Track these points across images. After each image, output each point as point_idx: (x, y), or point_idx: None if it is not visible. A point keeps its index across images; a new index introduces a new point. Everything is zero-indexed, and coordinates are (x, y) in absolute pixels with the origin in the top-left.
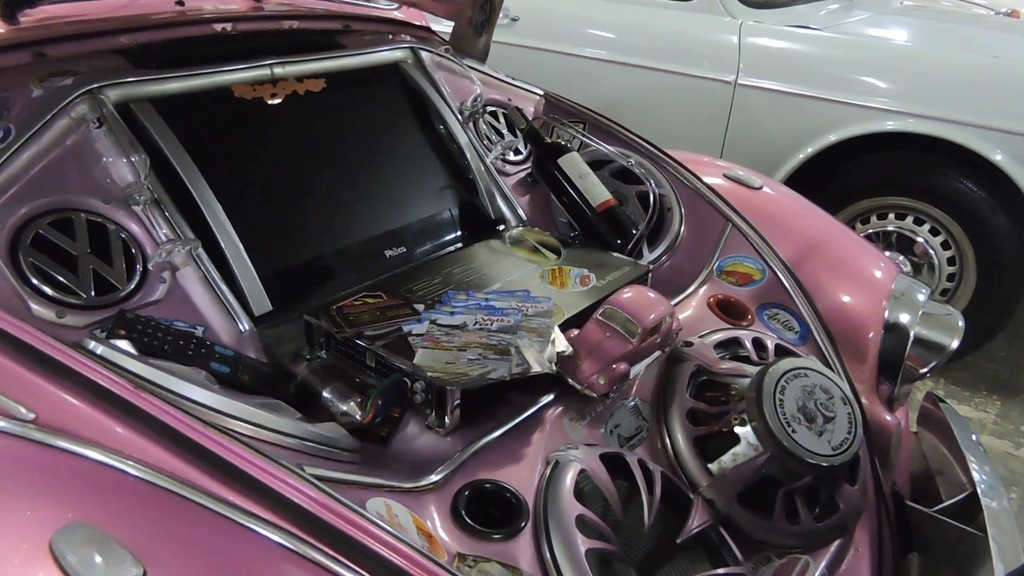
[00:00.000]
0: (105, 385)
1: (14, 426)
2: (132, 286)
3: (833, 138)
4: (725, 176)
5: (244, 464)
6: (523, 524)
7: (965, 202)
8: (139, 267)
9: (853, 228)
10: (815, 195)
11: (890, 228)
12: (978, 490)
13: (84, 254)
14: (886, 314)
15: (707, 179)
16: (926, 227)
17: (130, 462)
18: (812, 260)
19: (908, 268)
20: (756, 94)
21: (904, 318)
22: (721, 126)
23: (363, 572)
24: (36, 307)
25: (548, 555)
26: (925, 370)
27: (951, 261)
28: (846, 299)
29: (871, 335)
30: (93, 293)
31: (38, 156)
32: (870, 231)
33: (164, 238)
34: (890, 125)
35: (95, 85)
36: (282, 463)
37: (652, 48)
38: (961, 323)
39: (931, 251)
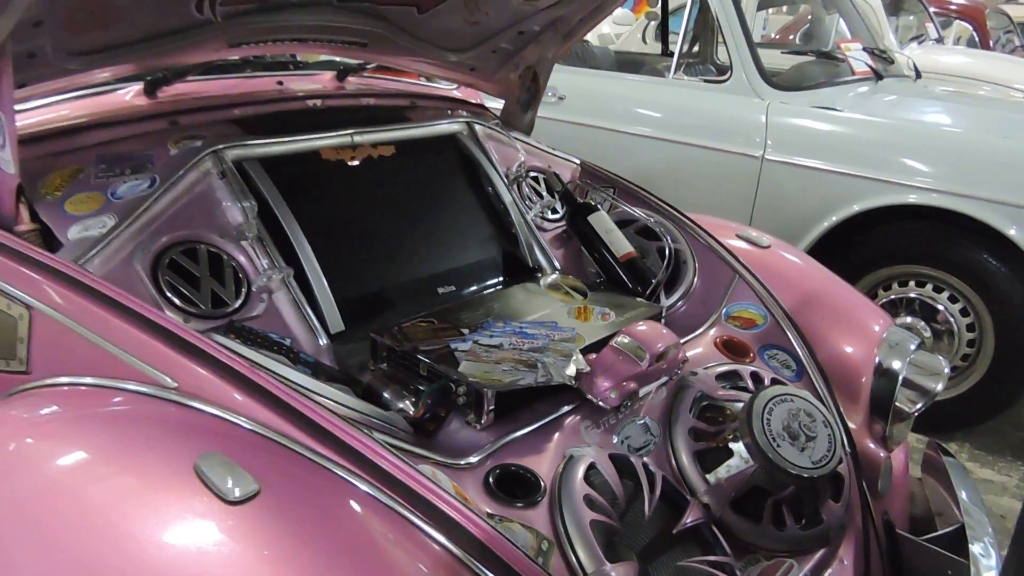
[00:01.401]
0: (228, 363)
1: (162, 392)
2: (239, 303)
3: (856, 208)
4: (737, 236)
5: (329, 425)
6: (540, 498)
7: (982, 272)
8: (244, 289)
9: (875, 295)
10: (840, 262)
11: (912, 295)
12: (966, 523)
13: (205, 276)
14: (877, 359)
15: (721, 238)
16: (945, 294)
17: (244, 419)
18: (811, 309)
19: (928, 334)
20: (782, 168)
21: (894, 364)
22: (750, 197)
23: (416, 511)
24: (168, 313)
25: (560, 523)
26: (914, 410)
27: (970, 327)
28: (841, 345)
29: (864, 379)
30: (210, 306)
31: (175, 200)
32: (892, 297)
33: (264, 267)
34: (911, 199)
35: (218, 147)
36: (357, 425)
37: (687, 125)
38: (946, 369)
39: (951, 318)
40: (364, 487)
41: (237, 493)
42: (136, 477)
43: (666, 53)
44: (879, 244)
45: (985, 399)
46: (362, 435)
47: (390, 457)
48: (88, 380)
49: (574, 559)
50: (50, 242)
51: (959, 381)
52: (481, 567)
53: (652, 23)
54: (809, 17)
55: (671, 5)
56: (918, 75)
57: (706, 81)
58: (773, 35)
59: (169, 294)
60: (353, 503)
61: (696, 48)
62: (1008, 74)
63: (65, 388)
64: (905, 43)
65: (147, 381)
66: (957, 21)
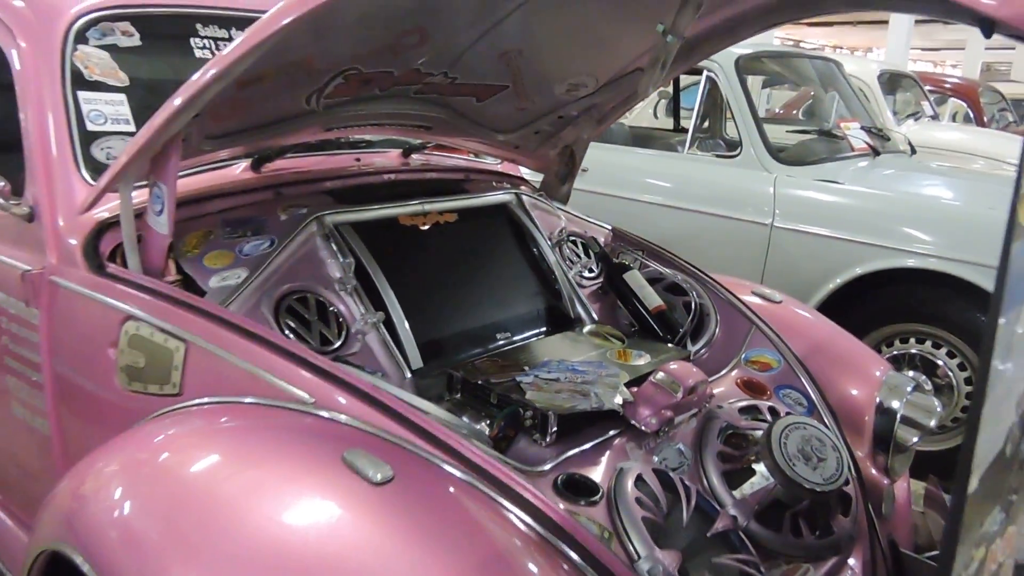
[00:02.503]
0: (355, 383)
1: (301, 406)
2: (340, 342)
3: (859, 271)
4: (753, 292)
5: (436, 431)
6: (599, 500)
7: (976, 329)
8: (344, 331)
9: (880, 351)
10: (845, 320)
11: (913, 351)
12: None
13: (314, 320)
14: (878, 400)
15: (739, 295)
16: (943, 350)
17: (370, 425)
18: (819, 356)
19: (929, 387)
20: (790, 235)
21: (894, 403)
22: (761, 260)
23: (508, 499)
24: None
25: (616, 518)
26: (911, 444)
27: (968, 381)
28: (847, 387)
29: (867, 417)
30: (319, 344)
31: (289, 256)
32: (895, 353)
33: (359, 314)
34: (910, 263)
35: (320, 214)
36: (456, 430)
37: (702, 196)
38: (939, 408)
39: (950, 372)
40: (467, 478)
41: (379, 477)
42: (294, 468)
43: (678, 128)
44: (881, 304)
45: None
46: (462, 439)
47: (486, 457)
48: (235, 399)
49: (630, 545)
50: (194, 290)
51: (960, 431)
52: (562, 544)
53: (663, 100)
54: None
55: (682, 83)
56: (913, 151)
57: (718, 156)
58: (777, 110)
59: (287, 333)
60: (460, 491)
61: (707, 124)
62: (1000, 149)
63: (215, 406)
64: (902, 120)
65: (288, 398)
66: (952, 99)
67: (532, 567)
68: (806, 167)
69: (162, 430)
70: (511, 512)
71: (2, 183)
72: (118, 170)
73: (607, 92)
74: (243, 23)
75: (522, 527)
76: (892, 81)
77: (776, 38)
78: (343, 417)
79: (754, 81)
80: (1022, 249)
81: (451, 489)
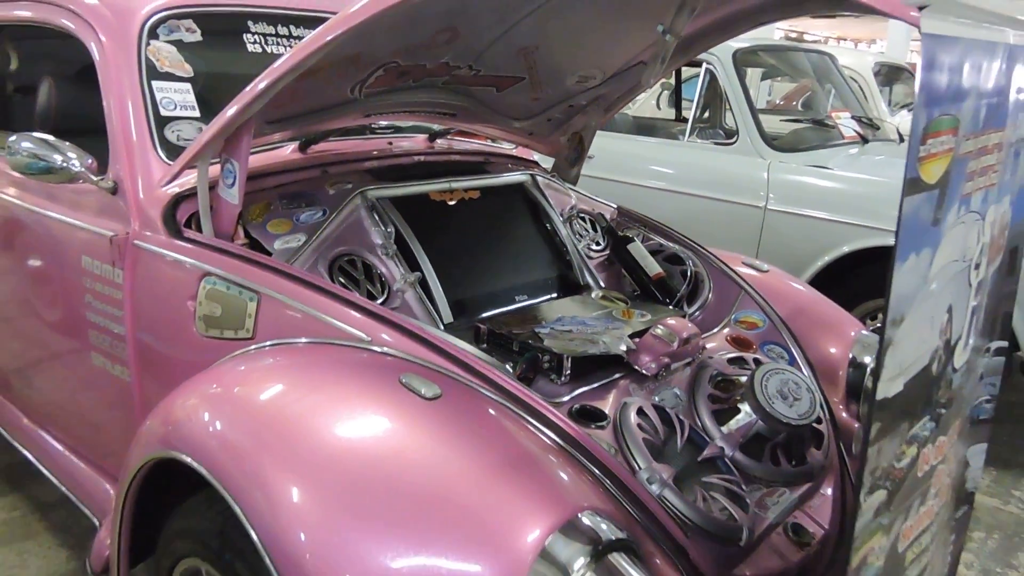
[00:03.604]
0: (403, 324)
1: (358, 343)
2: (383, 299)
3: (846, 250)
4: (743, 263)
5: (472, 362)
6: (606, 425)
7: None
8: (386, 289)
9: (865, 323)
10: (832, 294)
11: None
12: None
13: (361, 279)
14: (851, 355)
15: (731, 264)
16: None
17: (418, 358)
18: (801, 317)
19: None
20: (782, 217)
21: (865, 358)
22: (755, 240)
23: (533, 418)
24: None
25: (621, 438)
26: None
27: None
28: (824, 344)
29: (841, 371)
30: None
31: (338, 225)
32: (879, 325)
33: (399, 274)
34: (892, 241)
35: (363, 189)
36: (490, 362)
37: (701, 181)
38: None
39: None
40: (500, 400)
41: (430, 394)
42: (359, 388)
43: (679, 119)
44: (867, 280)
45: None
46: (496, 370)
47: (515, 384)
48: (303, 340)
49: (632, 459)
50: (260, 251)
51: None
52: (578, 454)
53: (665, 92)
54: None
55: (683, 74)
56: (902, 139)
57: (716, 144)
58: (778, 100)
59: None
60: (495, 409)
61: (707, 114)
62: None
63: (286, 346)
64: (897, 110)
65: (348, 337)
66: None
67: (556, 467)
68: (798, 154)
69: (245, 363)
70: (536, 428)
71: (90, 160)
72: (198, 149)
73: (613, 83)
74: (288, 20)
75: (545, 440)
76: (890, 73)
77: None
78: (395, 351)
79: (754, 73)
80: (912, 203)
81: (488, 407)
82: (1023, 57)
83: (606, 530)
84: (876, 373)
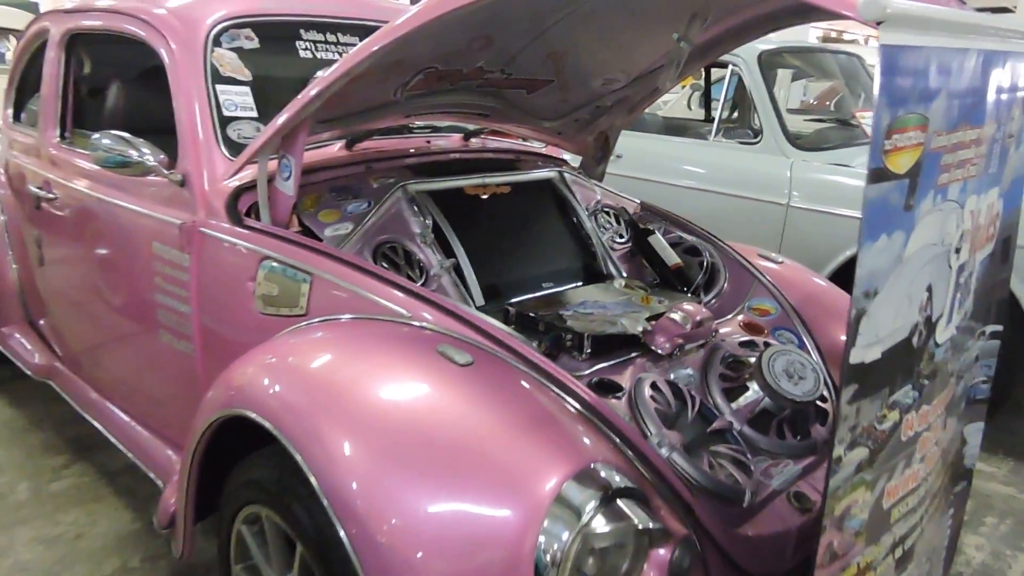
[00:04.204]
0: (439, 302)
1: (399, 319)
2: (421, 282)
3: None
4: (759, 255)
5: (501, 336)
6: (623, 396)
7: None
8: (424, 274)
9: None
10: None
11: None
12: None
13: (402, 264)
14: None
15: (747, 256)
16: None
17: (453, 332)
18: (812, 306)
19: None
20: (804, 213)
21: None
22: (778, 236)
23: (555, 386)
24: None
25: (635, 407)
26: None
27: None
28: (834, 332)
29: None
30: None
31: (382, 216)
32: None
33: (436, 261)
34: None
35: (404, 183)
36: (517, 337)
37: (726, 179)
38: None
39: None
40: (526, 369)
41: (463, 361)
42: (401, 356)
43: (708, 119)
44: None
45: None
46: (521, 342)
47: (540, 356)
48: (350, 316)
49: (644, 426)
50: (312, 238)
51: None
52: (592, 416)
53: (696, 93)
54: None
55: (713, 76)
56: None
57: (741, 143)
58: (812, 100)
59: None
60: (522, 377)
61: (736, 115)
62: None
63: (335, 321)
64: None
65: (391, 313)
66: None
67: (573, 426)
68: (821, 152)
69: (300, 336)
70: (557, 394)
71: (161, 155)
72: (260, 145)
73: (636, 86)
74: (336, 28)
75: (566, 406)
76: None
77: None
78: (432, 326)
79: (784, 75)
80: (878, 190)
81: (514, 374)
82: (1001, 61)
83: (617, 479)
84: (850, 339)
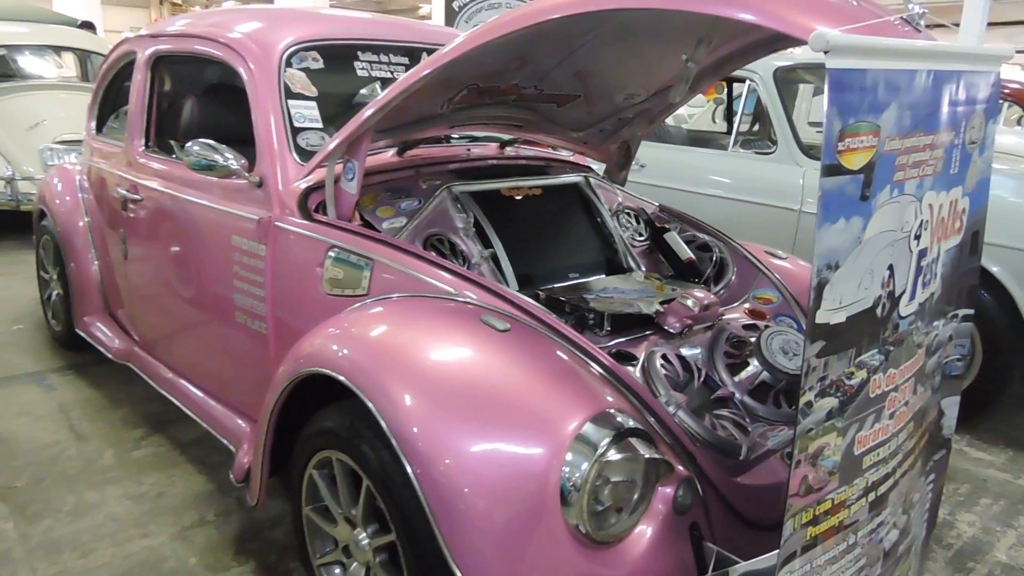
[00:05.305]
0: (481, 282)
1: (447, 296)
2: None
3: None
4: (765, 251)
5: (534, 309)
6: (636, 364)
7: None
8: (466, 263)
9: None
10: None
11: None
12: None
13: (447, 254)
14: None
15: (753, 252)
16: None
17: (493, 306)
18: None
19: None
20: (815, 218)
21: None
22: (791, 240)
23: (583, 353)
24: None
25: (647, 375)
26: None
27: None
28: None
29: None
30: None
31: (430, 212)
32: None
33: (476, 251)
34: None
35: (449, 184)
36: (546, 311)
37: (743, 187)
38: None
39: None
40: (554, 336)
41: (502, 327)
42: (449, 324)
43: (730, 131)
44: None
45: (975, 399)
46: (551, 315)
47: (564, 325)
48: (405, 295)
49: (654, 386)
50: (372, 231)
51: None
52: (613, 380)
53: (719, 107)
54: None
55: (735, 91)
56: None
57: (757, 153)
58: None
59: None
60: (552, 343)
61: (756, 127)
62: None
63: (393, 299)
64: None
65: (439, 291)
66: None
67: (593, 381)
68: None
69: (364, 311)
70: (580, 357)
71: (243, 160)
72: (329, 151)
73: (655, 100)
74: (389, 50)
75: (590, 369)
76: None
77: None
78: (475, 301)
79: (805, 89)
80: (833, 182)
81: (545, 340)
82: (954, 79)
83: (629, 423)
84: (815, 303)
